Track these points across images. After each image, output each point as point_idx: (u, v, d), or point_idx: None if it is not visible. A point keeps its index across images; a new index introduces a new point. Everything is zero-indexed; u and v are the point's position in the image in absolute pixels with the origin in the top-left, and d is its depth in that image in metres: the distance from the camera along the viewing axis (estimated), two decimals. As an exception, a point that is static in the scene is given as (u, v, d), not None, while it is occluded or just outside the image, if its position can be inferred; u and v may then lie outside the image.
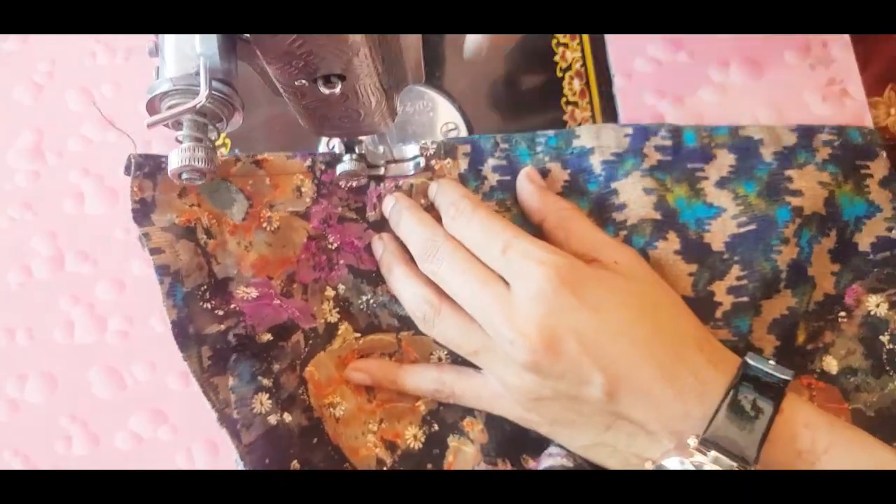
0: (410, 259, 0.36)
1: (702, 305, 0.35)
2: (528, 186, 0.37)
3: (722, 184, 0.37)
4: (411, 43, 0.32)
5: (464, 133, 0.42)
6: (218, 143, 0.36)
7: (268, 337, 0.36)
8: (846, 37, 0.41)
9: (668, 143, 0.37)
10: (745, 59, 0.41)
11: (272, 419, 0.35)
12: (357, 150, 0.36)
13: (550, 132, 0.38)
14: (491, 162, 0.38)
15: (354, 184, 0.38)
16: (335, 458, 0.37)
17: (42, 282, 0.41)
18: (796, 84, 0.41)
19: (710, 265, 0.36)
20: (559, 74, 0.43)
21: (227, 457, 0.38)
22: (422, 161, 0.38)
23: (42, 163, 0.43)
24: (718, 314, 0.35)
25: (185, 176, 0.30)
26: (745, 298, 0.35)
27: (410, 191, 0.38)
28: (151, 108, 0.29)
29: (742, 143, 0.37)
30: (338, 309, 0.38)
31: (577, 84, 0.42)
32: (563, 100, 0.42)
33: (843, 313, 0.37)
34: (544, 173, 0.38)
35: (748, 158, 0.37)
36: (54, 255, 0.41)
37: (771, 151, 0.37)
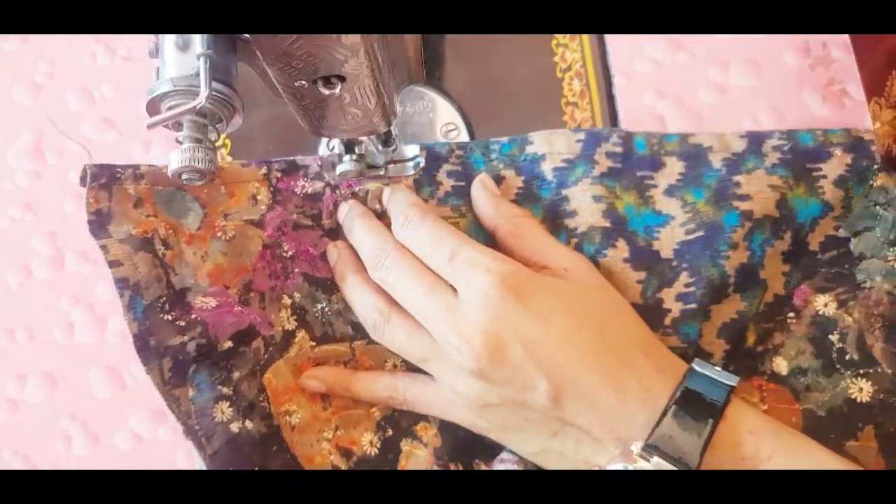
0: (364, 267, 0.36)
1: (651, 313, 0.35)
2: (482, 194, 0.37)
3: (671, 192, 0.37)
4: (411, 43, 0.32)
5: (464, 133, 0.42)
6: (218, 143, 0.36)
7: (229, 344, 0.36)
8: (846, 37, 0.41)
9: (619, 149, 0.37)
10: (745, 59, 0.41)
11: (234, 427, 0.35)
12: (357, 151, 0.36)
13: (504, 139, 0.38)
14: (446, 168, 0.38)
15: (310, 190, 0.38)
16: (293, 465, 0.37)
17: (42, 282, 0.41)
18: (796, 84, 0.41)
19: (659, 273, 0.36)
20: (559, 75, 0.42)
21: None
22: (422, 161, 0.38)
23: (42, 163, 0.43)
24: (667, 321, 0.35)
25: (185, 177, 0.30)
26: (693, 305, 0.35)
27: (365, 197, 0.38)
28: (152, 108, 0.29)
29: (691, 151, 0.37)
30: (295, 317, 0.38)
31: (577, 84, 0.42)
32: (563, 100, 0.42)
33: (791, 314, 0.37)
34: (499, 180, 0.38)
35: (697, 166, 0.37)
36: (54, 255, 0.41)
37: (720, 158, 0.37)
